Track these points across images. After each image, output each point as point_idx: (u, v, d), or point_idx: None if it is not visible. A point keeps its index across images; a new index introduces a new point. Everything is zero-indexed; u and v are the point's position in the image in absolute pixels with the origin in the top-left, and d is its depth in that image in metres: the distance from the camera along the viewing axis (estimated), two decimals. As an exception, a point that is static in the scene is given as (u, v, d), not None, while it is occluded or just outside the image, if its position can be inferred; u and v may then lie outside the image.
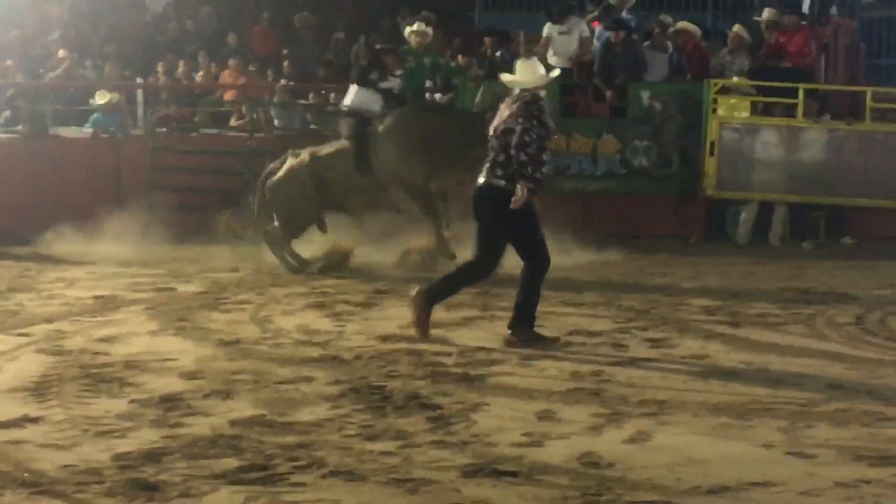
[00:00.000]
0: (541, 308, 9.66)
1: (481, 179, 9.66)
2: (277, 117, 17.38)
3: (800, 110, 15.42)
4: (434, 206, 13.40)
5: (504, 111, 9.71)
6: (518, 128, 9.45)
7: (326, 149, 13.98)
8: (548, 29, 16.83)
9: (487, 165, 9.65)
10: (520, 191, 9.36)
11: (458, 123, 13.61)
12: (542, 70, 9.90)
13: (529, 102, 9.59)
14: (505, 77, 10.01)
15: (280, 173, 13.84)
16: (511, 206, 9.35)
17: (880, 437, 6.99)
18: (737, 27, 16.71)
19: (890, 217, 15.24)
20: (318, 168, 13.74)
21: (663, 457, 6.59)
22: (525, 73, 9.81)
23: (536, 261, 9.64)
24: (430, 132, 13.47)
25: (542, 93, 9.78)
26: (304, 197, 13.63)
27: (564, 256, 13.69)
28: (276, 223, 13.65)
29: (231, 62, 18.73)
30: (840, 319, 10.72)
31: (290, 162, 13.86)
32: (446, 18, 18.57)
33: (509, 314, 9.70)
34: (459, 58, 16.49)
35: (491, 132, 9.73)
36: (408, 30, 16.22)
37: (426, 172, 13.41)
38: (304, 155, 13.87)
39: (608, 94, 16.28)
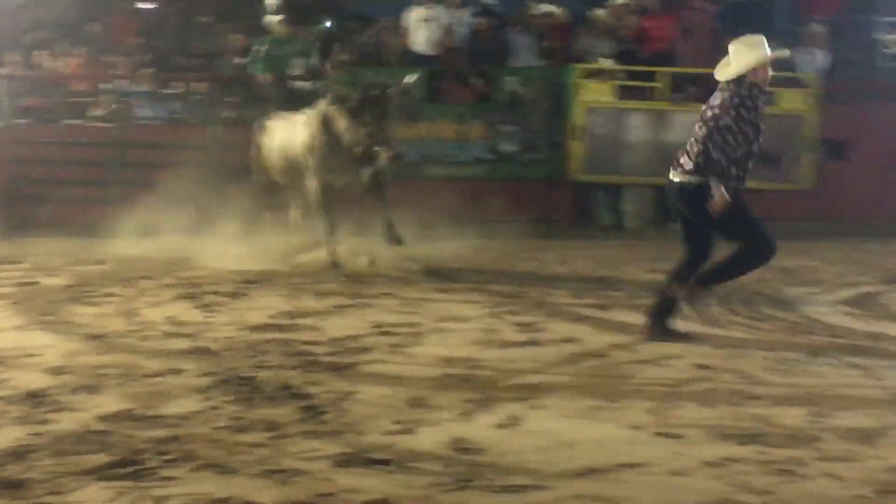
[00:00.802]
0: (413, 294, 9.66)
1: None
2: (140, 106, 17.15)
3: (663, 93, 15.60)
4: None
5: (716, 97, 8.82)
6: (720, 123, 8.66)
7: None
8: (412, 15, 16.83)
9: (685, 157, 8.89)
10: (715, 191, 8.67)
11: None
12: (760, 50, 8.68)
13: (741, 93, 8.67)
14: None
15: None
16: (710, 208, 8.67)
17: (746, 416, 7.10)
18: (598, 11, 16.85)
19: (752, 197, 15.43)
20: None
21: (534, 440, 6.63)
22: (740, 57, 8.68)
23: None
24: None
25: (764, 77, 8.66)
26: None
27: (433, 243, 13.72)
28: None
29: (87, 50, 18.42)
30: (706, 300, 10.84)
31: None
32: (312, 5, 18.47)
33: (380, 301, 9.66)
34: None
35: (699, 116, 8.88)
36: (271, 18, 16.12)
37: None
38: None
39: (475, 80, 16.32)
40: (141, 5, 19.99)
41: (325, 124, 12.67)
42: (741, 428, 6.84)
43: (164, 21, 19.70)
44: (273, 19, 16.12)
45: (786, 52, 9.45)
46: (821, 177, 15.47)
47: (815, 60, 16.27)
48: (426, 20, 16.74)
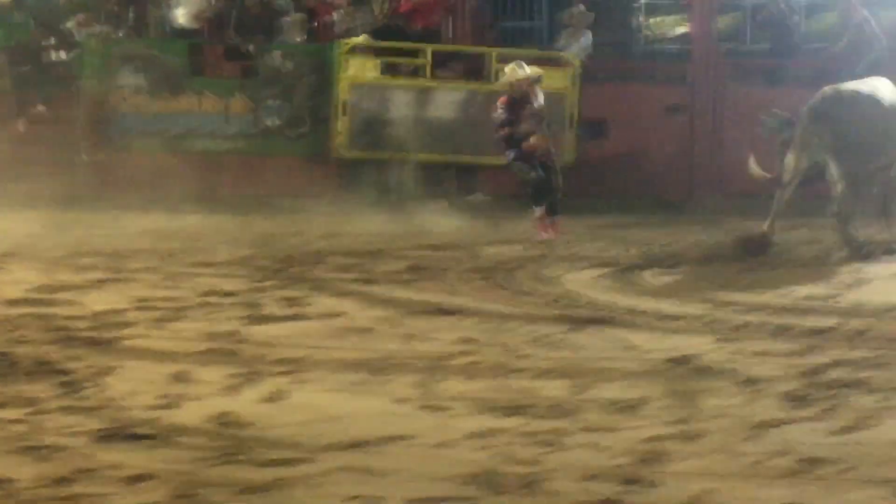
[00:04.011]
0: (175, 269, 9.50)
1: None
2: None
3: (427, 70, 15.66)
4: None
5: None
6: None
7: None
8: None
9: None
10: None
11: None
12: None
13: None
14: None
15: None
16: None
17: (510, 389, 7.17)
18: None
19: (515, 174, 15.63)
20: None
21: (301, 414, 6.59)
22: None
23: None
24: None
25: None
26: None
27: (196, 217, 13.56)
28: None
29: None
30: (470, 274, 10.94)
31: None
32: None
33: (142, 276, 9.49)
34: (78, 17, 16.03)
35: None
36: None
37: None
38: None
39: (246, 50, 16.15)
40: None
41: None
42: (505, 400, 6.90)
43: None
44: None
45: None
46: (581, 154, 15.71)
47: (576, 41, 16.51)
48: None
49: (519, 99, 13.23)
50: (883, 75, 12.65)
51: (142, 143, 15.81)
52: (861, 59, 15.45)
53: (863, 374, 7.35)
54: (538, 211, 13.30)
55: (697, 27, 16.18)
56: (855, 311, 9.37)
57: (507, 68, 13.48)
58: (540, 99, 13.36)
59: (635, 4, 17.07)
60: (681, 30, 16.82)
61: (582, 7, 16.78)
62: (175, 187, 14.06)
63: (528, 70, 13.38)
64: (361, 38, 16.06)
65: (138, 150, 15.67)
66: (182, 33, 16.30)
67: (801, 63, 16.49)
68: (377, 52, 16.02)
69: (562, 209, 13.24)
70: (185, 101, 15.93)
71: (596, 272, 11.23)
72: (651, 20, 16.98)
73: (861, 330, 8.64)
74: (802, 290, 10.15)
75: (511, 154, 13.29)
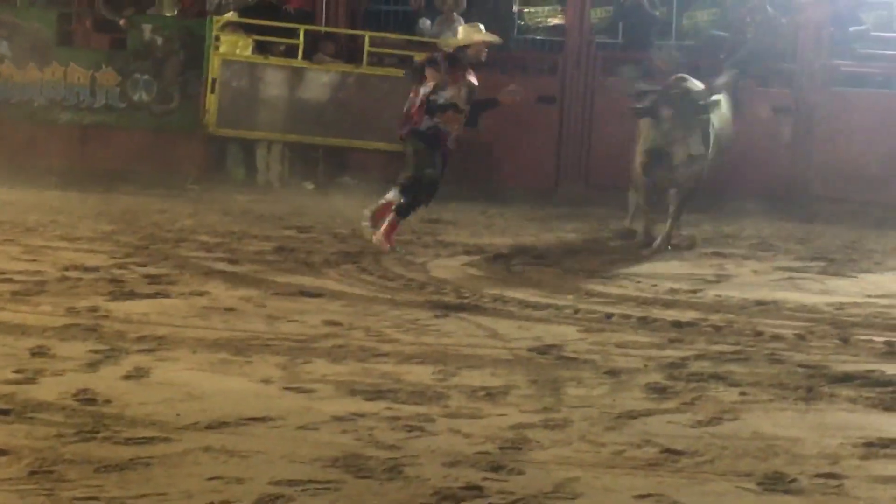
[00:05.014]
0: (35, 242, 9.33)
1: None
2: None
3: (300, 51, 15.57)
4: None
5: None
6: None
7: None
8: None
9: None
10: None
11: None
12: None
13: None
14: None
15: None
16: None
17: (374, 373, 7.15)
18: None
19: (385, 158, 15.61)
20: None
21: (162, 393, 6.50)
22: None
23: None
24: None
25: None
26: None
27: (59, 190, 13.36)
28: None
29: None
30: (337, 257, 10.90)
31: None
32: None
33: (1, 248, 9.29)
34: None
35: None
36: None
37: None
38: None
39: (121, 21, 15.93)
40: None
41: None
42: (370, 384, 6.88)
43: None
44: None
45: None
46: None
47: (449, 28, 16.50)
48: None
49: (459, 64, 11.33)
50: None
51: (5, 113, 15.54)
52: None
53: (723, 368, 7.45)
54: (396, 217, 11.32)
55: (571, 19, 16.26)
56: (716, 306, 9.49)
57: (462, 28, 11.98)
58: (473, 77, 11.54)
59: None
60: (555, 21, 16.92)
61: (458, -4, 16.79)
62: (38, 159, 13.83)
63: (486, 34, 11.58)
64: (230, 15, 15.90)
65: (1, 120, 15.40)
66: (51, 2, 16.02)
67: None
68: (250, 31, 15.88)
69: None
70: (51, 71, 15.68)
71: (462, 259, 11.25)
72: (525, 10, 17.03)
73: (722, 324, 8.75)
74: (666, 284, 10.26)
75: (423, 123, 11.27)
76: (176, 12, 16.56)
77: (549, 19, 16.78)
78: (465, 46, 11.37)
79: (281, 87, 15.66)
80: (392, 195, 11.36)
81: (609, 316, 8.96)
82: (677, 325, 8.71)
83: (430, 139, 11.25)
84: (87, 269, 9.80)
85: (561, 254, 11.82)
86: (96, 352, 7.29)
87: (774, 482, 5.45)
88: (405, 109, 11.39)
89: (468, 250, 11.69)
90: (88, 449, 5.58)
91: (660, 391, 6.94)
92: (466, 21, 16.35)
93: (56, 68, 15.65)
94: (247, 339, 7.81)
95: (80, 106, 15.73)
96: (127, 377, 6.82)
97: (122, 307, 8.55)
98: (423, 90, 11.25)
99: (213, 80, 15.57)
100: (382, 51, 16.03)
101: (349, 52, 16.19)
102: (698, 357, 7.75)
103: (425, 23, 16.77)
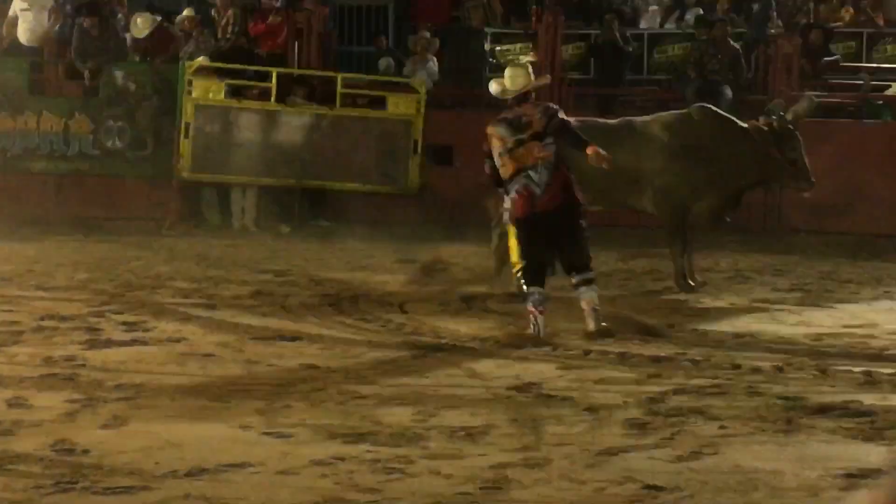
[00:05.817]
0: (11, 292, 9.30)
1: None
2: None
3: (273, 94, 15.57)
4: None
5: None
6: None
7: None
8: (13, 5, 16.30)
9: None
10: None
11: None
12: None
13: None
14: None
15: None
16: None
17: (354, 416, 7.13)
18: (186, 11, 16.64)
19: (362, 200, 15.62)
20: None
21: (140, 441, 6.48)
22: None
23: None
24: None
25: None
26: None
27: (34, 239, 13.32)
28: None
29: None
30: (314, 300, 10.89)
31: None
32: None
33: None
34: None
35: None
36: None
37: None
38: None
39: (85, 73, 15.93)
40: None
41: None
42: (349, 427, 6.86)
43: None
44: None
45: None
46: (427, 180, 15.72)
47: (422, 67, 16.57)
48: (25, 10, 16.20)
49: (515, 119, 9.73)
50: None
51: (-22, 162, 15.53)
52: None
53: (702, 402, 7.45)
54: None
55: (543, 56, 16.31)
56: (694, 340, 9.50)
57: (515, 72, 9.97)
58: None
59: (482, 32, 17.15)
60: (527, 59, 16.98)
61: (427, 34, 16.86)
62: (13, 208, 13.79)
63: (532, 76, 10.02)
64: (202, 60, 15.90)
65: (-25, 171, 15.38)
66: (22, 51, 16.02)
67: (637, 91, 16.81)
68: (222, 75, 15.89)
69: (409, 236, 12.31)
70: (24, 120, 15.68)
71: (440, 299, 11.23)
72: (497, 48, 17.09)
73: (700, 358, 8.76)
74: (643, 319, 10.26)
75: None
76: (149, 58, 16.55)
77: (521, 57, 16.80)
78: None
79: (255, 131, 15.66)
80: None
81: (587, 352, 8.96)
82: (656, 359, 8.71)
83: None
84: (63, 318, 9.76)
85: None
86: (74, 401, 7.26)
87: (755, 516, 5.46)
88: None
89: (445, 291, 11.66)
90: (67, 500, 5.56)
91: (639, 427, 6.94)
92: (440, 62, 16.48)
93: (29, 117, 15.64)
94: (225, 384, 7.79)
95: (53, 154, 15.72)
96: (105, 426, 6.79)
97: (99, 355, 8.53)
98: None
99: (187, 125, 15.56)
100: (356, 91, 16.05)
101: (322, 94, 16.20)
102: (677, 391, 7.75)
103: (388, 62, 16.86)
